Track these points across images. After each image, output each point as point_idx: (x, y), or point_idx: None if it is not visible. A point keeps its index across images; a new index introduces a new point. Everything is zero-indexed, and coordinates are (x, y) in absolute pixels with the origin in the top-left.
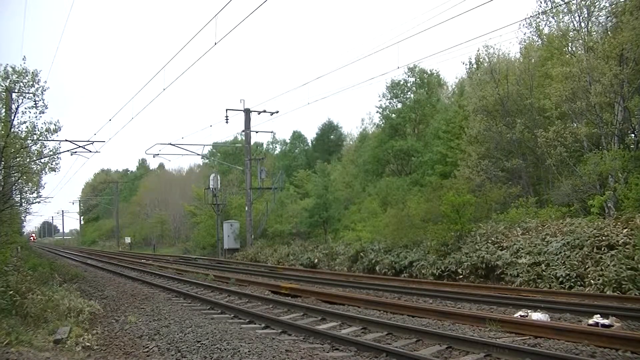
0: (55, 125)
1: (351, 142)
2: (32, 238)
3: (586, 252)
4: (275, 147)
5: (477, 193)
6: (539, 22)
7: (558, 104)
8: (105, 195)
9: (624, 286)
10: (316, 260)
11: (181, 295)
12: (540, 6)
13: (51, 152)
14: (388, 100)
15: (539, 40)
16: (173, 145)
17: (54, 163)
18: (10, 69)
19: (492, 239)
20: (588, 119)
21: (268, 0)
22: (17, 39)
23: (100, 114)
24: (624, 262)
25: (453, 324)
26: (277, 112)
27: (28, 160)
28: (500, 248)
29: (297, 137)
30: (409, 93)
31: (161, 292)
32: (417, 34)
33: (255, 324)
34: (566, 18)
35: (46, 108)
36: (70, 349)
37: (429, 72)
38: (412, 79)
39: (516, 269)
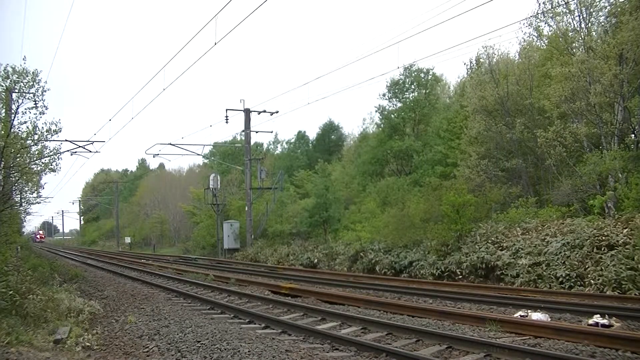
0: (56, 125)
1: (352, 142)
2: (39, 237)
3: (586, 252)
4: (277, 147)
5: (477, 193)
6: (539, 22)
7: (558, 104)
8: (105, 195)
9: (623, 286)
10: (316, 260)
11: (181, 295)
12: (540, 6)
13: (52, 153)
14: (388, 100)
15: (539, 40)
16: (173, 145)
17: (54, 164)
18: (10, 69)
19: (492, 239)
20: (588, 119)
21: (268, 0)
22: (17, 39)
23: (100, 114)
24: (623, 262)
25: (453, 324)
26: (277, 112)
27: (28, 160)
28: (500, 248)
29: (301, 137)
30: (407, 92)
31: (161, 292)
32: (417, 34)
33: (255, 324)
34: (566, 18)
35: (46, 109)
36: (70, 349)
37: (426, 71)
38: (410, 79)
39: (516, 269)
